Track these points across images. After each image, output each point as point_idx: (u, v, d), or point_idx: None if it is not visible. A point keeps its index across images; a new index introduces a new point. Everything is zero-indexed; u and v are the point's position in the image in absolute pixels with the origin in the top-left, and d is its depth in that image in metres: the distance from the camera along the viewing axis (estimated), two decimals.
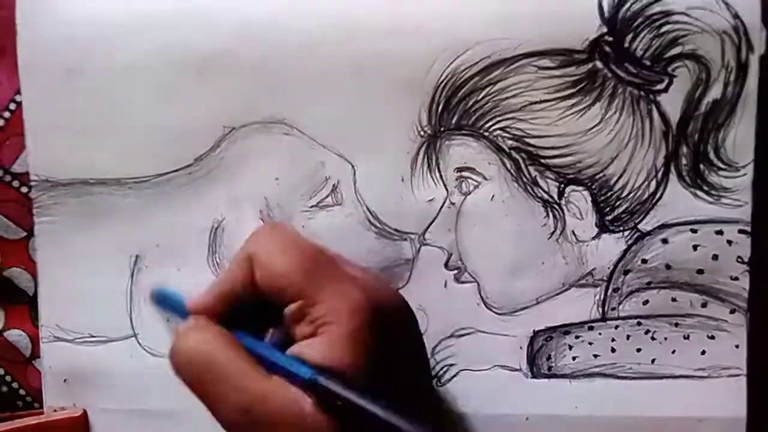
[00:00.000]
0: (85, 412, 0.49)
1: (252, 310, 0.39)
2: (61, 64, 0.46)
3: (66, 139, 0.47)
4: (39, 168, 0.47)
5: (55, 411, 0.49)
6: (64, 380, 0.49)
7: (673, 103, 0.46)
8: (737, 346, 0.47)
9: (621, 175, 0.47)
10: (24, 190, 0.48)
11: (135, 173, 0.47)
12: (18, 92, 0.47)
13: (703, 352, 0.48)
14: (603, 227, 0.47)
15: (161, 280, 0.47)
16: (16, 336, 0.49)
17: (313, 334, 0.37)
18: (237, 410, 0.36)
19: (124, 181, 0.47)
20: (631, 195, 0.47)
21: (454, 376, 0.48)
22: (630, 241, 0.47)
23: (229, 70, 0.46)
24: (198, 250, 0.48)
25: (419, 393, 0.42)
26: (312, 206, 0.48)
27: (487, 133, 0.47)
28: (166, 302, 0.43)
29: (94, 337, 0.48)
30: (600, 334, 0.48)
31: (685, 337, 0.48)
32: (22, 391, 0.50)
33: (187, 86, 0.46)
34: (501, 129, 0.47)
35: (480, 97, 0.46)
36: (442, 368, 0.48)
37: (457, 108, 0.46)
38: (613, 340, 0.48)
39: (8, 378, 0.50)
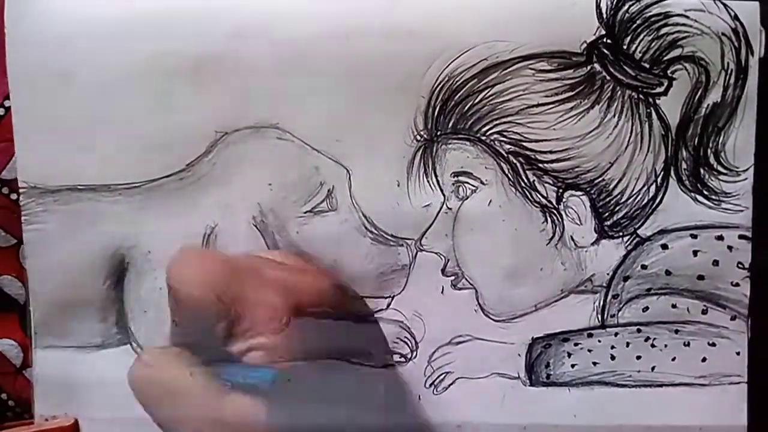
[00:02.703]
0: (76, 421, 0.48)
1: None
2: (51, 68, 0.46)
3: (55, 145, 0.47)
4: (28, 174, 0.47)
5: (46, 420, 0.48)
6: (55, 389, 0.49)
7: (672, 106, 0.46)
8: (738, 354, 0.47)
9: (620, 180, 0.47)
10: (13, 197, 0.47)
11: (125, 179, 0.47)
12: (7, 97, 0.46)
13: (704, 360, 0.47)
14: (602, 233, 0.47)
15: (153, 288, 0.47)
16: (7, 345, 0.49)
17: (249, 350, 0.38)
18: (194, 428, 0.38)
19: (115, 188, 0.47)
20: (631, 200, 0.47)
21: (451, 384, 0.48)
22: (629, 247, 0.47)
23: (221, 75, 0.46)
24: None
25: None
26: (306, 212, 0.47)
27: (484, 137, 0.46)
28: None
29: (86, 345, 0.48)
30: (599, 341, 0.48)
31: (685, 345, 0.47)
32: (11, 402, 0.49)
33: (179, 91, 0.46)
34: (498, 133, 0.46)
35: (477, 100, 0.46)
36: (438, 376, 0.48)
37: (453, 112, 0.46)
38: (612, 347, 0.48)
39: None
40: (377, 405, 0.47)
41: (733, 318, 0.47)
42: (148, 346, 0.41)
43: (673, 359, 0.48)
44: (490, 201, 0.47)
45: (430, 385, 0.48)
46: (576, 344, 0.48)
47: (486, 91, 0.46)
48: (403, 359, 0.48)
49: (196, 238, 0.47)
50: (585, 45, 0.45)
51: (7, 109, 0.47)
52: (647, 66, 0.45)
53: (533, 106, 0.46)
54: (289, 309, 0.39)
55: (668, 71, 0.46)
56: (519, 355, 0.48)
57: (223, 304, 0.38)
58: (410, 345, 0.48)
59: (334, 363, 0.47)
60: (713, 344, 0.47)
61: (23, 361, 0.49)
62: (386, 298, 0.48)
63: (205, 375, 0.39)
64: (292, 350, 0.39)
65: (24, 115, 0.46)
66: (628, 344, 0.48)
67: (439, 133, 0.46)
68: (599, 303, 0.48)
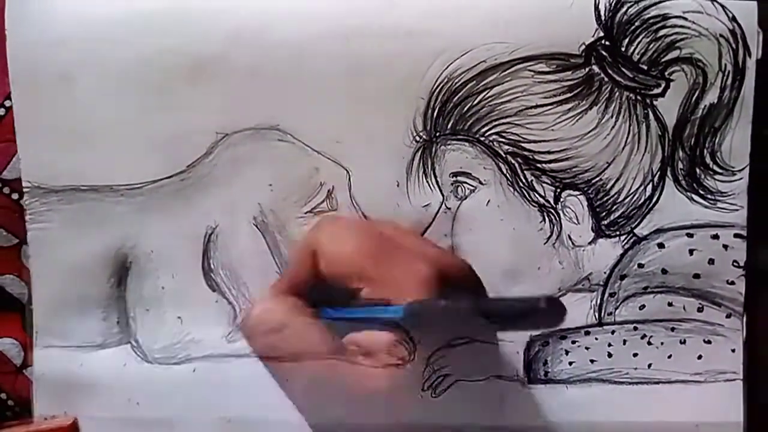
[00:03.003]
0: (75, 420, 0.48)
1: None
2: (52, 69, 0.46)
3: (58, 145, 0.47)
4: (31, 174, 0.47)
5: (46, 419, 0.48)
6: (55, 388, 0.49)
7: (669, 107, 0.46)
8: (734, 351, 0.48)
9: (617, 180, 0.47)
10: (15, 196, 0.48)
11: (127, 180, 0.47)
12: (7, 97, 0.47)
13: (700, 357, 0.48)
14: (599, 232, 0.48)
15: (155, 287, 0.48)
16: (8, 345, 0.49)
17: None
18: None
19: (117, 188, 0.47)
20: (628, 199, 0.47)
21: (450, 386, 0.48)
22: (626, 246, 0.48)
23: (222, 76, 0.46)
24: (192, 256, 0.48)
25: None
26: (306, 212, 0.48)
27: (482, 138, 0.47)
28: None
29: (86, 344, 0.48)
30: (596, 339, 0.48)
31: (681, 342, 0.48)
32: (11, 402, 0.49)
33: (180, 92, 0.46)
34: (497, 134, 0.47)
35: (476, 101, 0.46)
36: (437, 378, 0.48)
37: (452, 113, 0.47)
38: (609, 345, 0.48)
39: None
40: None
41: (728, 316, 0.48)
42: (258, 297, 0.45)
43: (670, 356, 0.48)
44: (489, 201, 0.47)
45: (428, 388, 0.48)
46: (573, 342, 0.48)
47: (485, 93, 0.46)
48: (401, 361, 0.48)
49: (197, 238, 0.48)
50: (583, 47, 0.46)
51: (8, 109, 0.47)
52: (645, 67, 0.46)
53: (532, 107, 0.46)
54: (438, 279, 0.41)
55: (666, 73, 0.46)
56: (517, 353, 0.48)
57: (370, 268, 0.41)
58: (409, 347, 0.48)
59: None
60: (709, 342, 0.48)
61: (23, 360, 0.49)
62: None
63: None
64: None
65: (26, 115, 0.47)
66: (625, 342, 0.48)
67: (438, 133, 0.47)
68: (596, 301, 0.48)
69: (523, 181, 0.47)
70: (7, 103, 0.47)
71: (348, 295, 0.43)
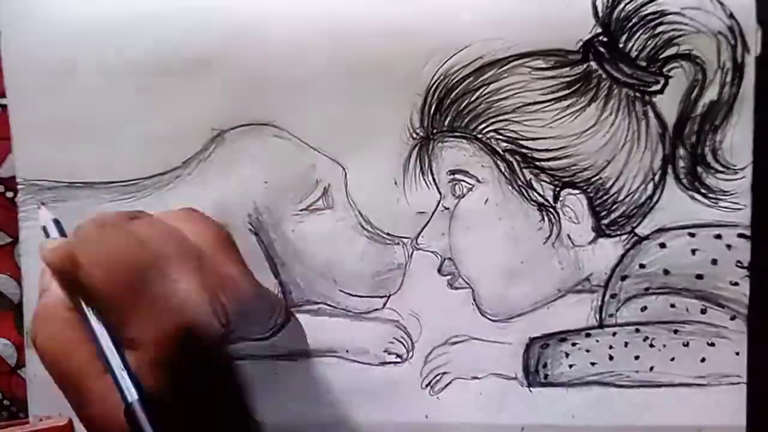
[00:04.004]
0: (70, 420, 0.49)
1: None
2: (47, 66, 0.47)
3: (53, 142, 0.48)
4: (25, 171, 0.48)
5: (41, 420, 0.49)
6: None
7: (669, 104, 0.47)
8: (737, 354, 0.48)
9: (617, 178, 0.47)
10: (9, 195, 0.48)
11: (122, 176, 0.48)
12: (2, 95, 0.48)
13: (703, 360, 0.48)
14: (599, 231, 0.48)
15: None
16: (2, 345, 0.50)
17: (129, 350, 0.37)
18: (72, 403, 0.38)
19: (111, 184, 0.48)
20: (628, 198, 0.48)
21: (448, 384, 0.49)
22: (627, 246, 0.48)
23: (218, 72, 0.47)
24: None
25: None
26: (302, 210, 0.48)
27: (480, 135, 0.47)
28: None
29: None
30: (597, 341, 0.48)
31: (684, 344, 0.48)
32: (6, 402, 0.50)
33: (176, 88, 0.47)
34: (494, 131, 0.47)
35: (473, 98, 0.47)
36: (434, 377, 0.49)
37: (449, 109, 0.47)
38: (610, 347, 0.48)
39: None
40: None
41: (732, 318, 0.48)
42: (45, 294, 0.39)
43: (672, 359, 0.48)
44: (487, 199, 0.48)
45: (427, 386, 0.49)
46: (574, 344, 0.48)
47: (482, 89, 0.47)
48: (398, 359, 0.49)
49: None
50: (581, 43, 0.46)
51: (3, 107, 0.48)
52: (643, 64, 0.46)
53: (529, 104, 0.47)
54: (174, 337, 0.37)
55: (664, 69, 0.46)
56: (516, 355, 0.48)
57: (118, 302, 0.37)
58: (406, 345, 0.49)
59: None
60: (712, 344, 0.48)
61: (17, 360, 0.50)
62: (382, 297, 0.49)
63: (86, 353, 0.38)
64: (160, 378, 0.37)
65: (21, 112, 0.48)
66: (626, 344, 0.48)
67: (435, 131, 0.47)
68: (597, 303, 0.48)
69: (522, 179, 0.48)
70: (2, 101, 0.48)
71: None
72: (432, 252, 0.48)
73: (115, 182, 0.48)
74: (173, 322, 0.37)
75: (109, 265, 0.37)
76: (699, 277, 0.48)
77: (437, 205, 0.48)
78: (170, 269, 0.38)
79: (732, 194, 0.47)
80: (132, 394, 0.35)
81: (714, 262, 0.48)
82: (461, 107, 0.47)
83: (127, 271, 0.37)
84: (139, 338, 0.37)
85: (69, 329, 0.38)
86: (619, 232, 0.48)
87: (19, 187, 0.48)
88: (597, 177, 0.47)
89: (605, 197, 0.48)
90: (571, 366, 0.49)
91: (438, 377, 0.49)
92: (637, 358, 0.48)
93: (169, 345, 0.37)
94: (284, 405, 0.49)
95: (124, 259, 0.38)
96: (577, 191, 0.48)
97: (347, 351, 0.49)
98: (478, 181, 0.48)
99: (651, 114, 0.47)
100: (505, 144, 0.47)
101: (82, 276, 0.37)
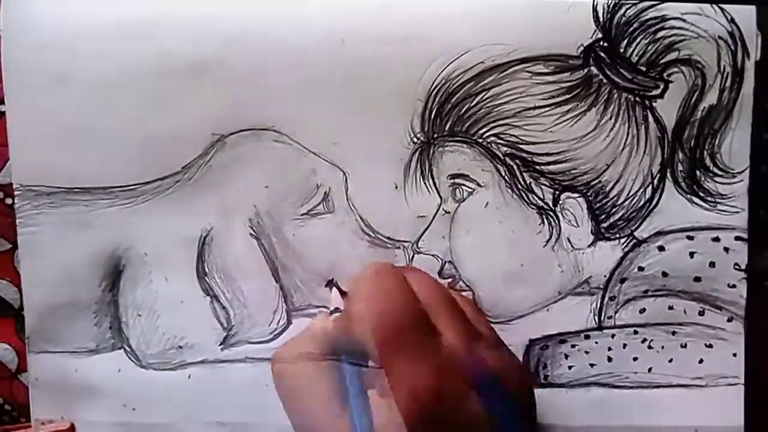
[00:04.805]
0: (72, 425, 0.49)
1: None
2: (47, 71, 0.47)
3: (51, 147, 0.48)
4: (23, 177, 0.48)
5: (43, 424, 0.49)
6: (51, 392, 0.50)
7: (668, 109, 0.48)
8: (735, 355, 0.49)
9: (616, 182, 0.48)
10: (8, 201, 0.49)
11: (122, 181, 0.48)
12: (1, 102, 0.48)
13: (701, 361, 0.49)
14: (599, 235, 0.49)
15: (148, 290, 0.49)
16: (2, 350, 0.50)
17: (382, 405, 0.38)
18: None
19: (111, 190, 0.48)
20: (627, 202, 0.48)
21: None
22: (626, 249, 0.49)
23: (218, 78, 0.47)
24: (186, 259, 0.49)
25: None
26: (303, 214, 0.49)
27: (480, 140, 0.48)
28: None
29: (80, 349, 0.49)
30: (596, 342, 0.49)
31: (682, 346, 0.49)
32: (8, 406, 0.51)
33: (176, 93, 0.47)
34: (495, 135, 0.48)
35: (473, 103, 0.48)
36: None
37: (450, 114, 0.48)
38: (609, 348, 0.49)
39: None
40: None
41: (729, 319, 0.49)
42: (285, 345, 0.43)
43: (670, 360, 0.49)
44: (487, 203, 0.49)
45: None
46: (573, 346, 0.49)
47: (483, 94, 0.48)
48: None
49: (192, 241, 0.49)
50: (582, 48, 0.47)
51: (2, 114, 0.48)
52: (644, 69, 0.47)
53: (530, 108, 0.48)
54: (435, 399, 0.38)
55: (664, 74, 0.47)
56: (517, 356, 0.49)
57: (381, 352, 0.39)
58: None
59: None
60: (710, 345, 0.49)
61: (18, 365, 0.50)
62: None
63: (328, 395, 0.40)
64: None
65: (19, 117, 0.48)
66: (625, 346, 0.49)
67: (435, 135, 0.48)
68: (596, 305, 0.49)
69: (522, 183, 0.48)
70: (1, 108, 0.48)
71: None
72: (433, 255, 0.49)
73: (114, 187, 0.48)
74: (433, 377, 0.38)
75: (380, 317, 0.39)
76: (697, 279, 0.49)
77: (438, 209, 0.49)
78: (437, 322, 0.40)
79: (730, 198, 0.48)
80: None
81: (712, 264, 0.49)
82: (462, 112, 0.48)
83: (399, 320, 0.39)
84: (396, 386, 0.38)
85: (312, 364, 0.41)
86: (618, 235, 0.49)
87: (16, 192, 0.48)
88: (596, 181, 0.48)
89: (605, 201, 0.48)
90: (570, 367, 0.49)
91: None
92: (635, 359, 0.49)
93: (426, 400, 0.38)
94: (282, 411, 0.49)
95: (398, 309, 0.40)
96: (576, 195, 0.48)
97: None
98: (479, 185, 0.49)
99: (650, 118, 0.48)
100: (505, 148, 0.48)
101: (353, 324, 0.40)
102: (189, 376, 0.49)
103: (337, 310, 0.42)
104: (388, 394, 0.38)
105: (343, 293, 0.42)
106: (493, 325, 0.49)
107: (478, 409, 0.39)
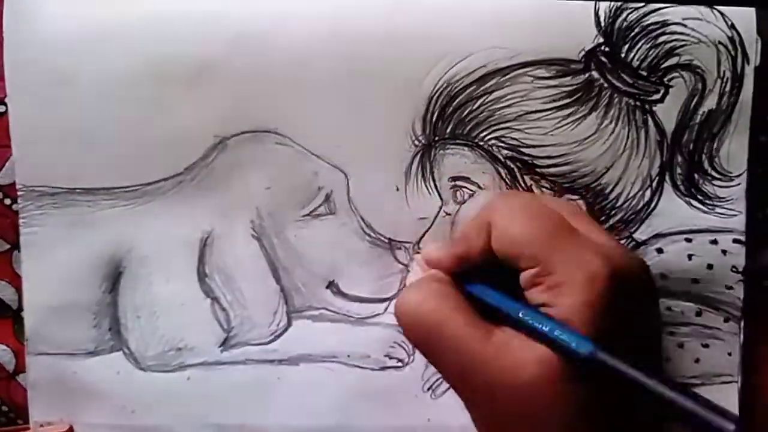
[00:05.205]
0: (71, 427, 0.50)
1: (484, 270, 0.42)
2: (50, 71, 0.47)
3: (54, 148, 0.48)
4: (26, 177, 0.48)
5: (42, 426, 0.50)
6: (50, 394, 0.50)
7: (668, 113, 0.48)
8: (730, 354, 0.50)
9: (616, 185, 0.49)
10: (8, 202, 0.49)
11: (124, 182, 0.48)
12: (2, 102, 0.48)
13: (697, 360, 0.50)
14: None
15: (148, 292, 0.49)
16: (0, 351, 0.50)
17: (546, 304, 0.39)
18: (455, 373, 0.40)
19: (113, 191, 0.48)
20: (626, 204, 0.49)
21: (449, 388, 0.49)
22: None
23: (221, 79, 0.47)
24: (187, 261, 0.49)
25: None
26: (304, 216, 0.49)
27: (482, 143, 0.49)
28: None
29: (79, 351, 0.50)
30: None
31: (679, 345, 0.50)
32: (5, 408, 0.51)
33: (178, 95, 0.48)
34: (496, 138, 0.49)
35: (475, 106, 0.48)
36: (436, 380, 0.50)
37: (452, 117, 0.48)
38: None
39: None
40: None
41: (726, 320, 0.50)
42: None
43: (667, 360, 0.50)
44: None
45: (428, 389, 0.50)
46: None
47: (484, 98, 0.48)
48: (400, 363, 0.50)
49: (193, 243, 0.49)
50: (583, 52, 0.48)
51: (2, 114, 0.48)
52: (644, 74, 0.48)
53: (531, 112, 0.48)
54: (610, 278, 0.38)
55: (665, 79, 0.48)
56: None
57: (541, 251, 0.39)
58: (407, 349, 0.50)
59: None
60: (706, 345, 0.50)
61: (16, 366, 0.51)
62: (383, 301, 0.50)
63: (469, 318, 0.40)
64: (598, 325, 0.37)
65: (22, 117, 0.48)
66: None
67: (437, 138, 0.49)
68: None
69: (522, 185, 0.49)
70: (1, 108, 0.48)
71: (509, 280, 0.41)
72: None
73: (117, 188, 0.48)
74: (602, 263, 0.38)
75: (531, 215, 0.40)
76: (695, 281, 0.50)
77: (438, 211, 0.49)
78: (580, 226, 0.41)
79: (728, 200, 0.49)
80: (586, 346, 0.36)
81: (710, 266, 0.50)
82: (463, 115, 0.48)
83: (549, 222, 0.40)
84: (570, 281, 0.38)
85: (440, 298, 0.41)
86: (617, 238, 0.49)
87: (19, 193, 0.48)
88: (596, 183, 0.49)
89: (604, 203, 0.49)
90: None
91: (439, 381, 0.50)
92: None
93: (602, 285, 0.38)
94: (285, 411, 0.50)
95: (539, 213, 0.41)
96: (576, 197, 0.49)
97: (348, 356, 0.50)
98: (480, 187, 0.49)
99: (650, 122, 0.48)
100: (506, 151, 0.49)
101: (496, 239, 0.40)
102: (188, 378, 0.50)
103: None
104: (556, 293, 0.38)
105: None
106: None
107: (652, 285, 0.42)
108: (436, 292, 0.41)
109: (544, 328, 0.38)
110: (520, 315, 0.39)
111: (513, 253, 0.40)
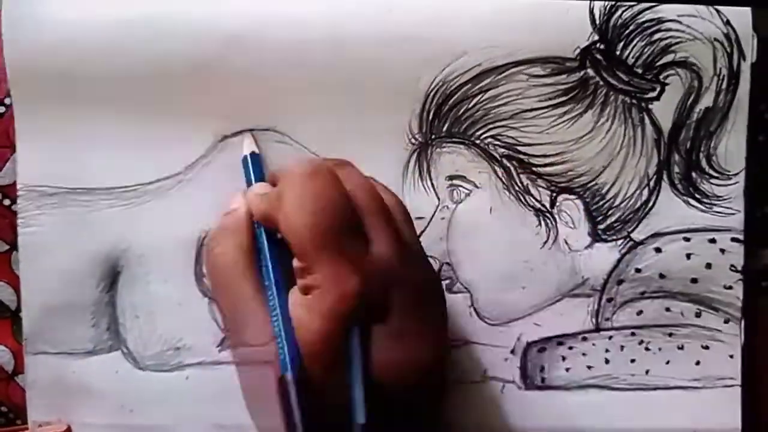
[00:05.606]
0: (69, 427, 0.50)
1: None
2: (50, 71, 0.48)
3: (54, 148, 0.49)
4: (27, 177, 0.49)
5: (40, 426, 0.50)
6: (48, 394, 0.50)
7: (664, 111, 0.49)
8: (731, 356, 0.50)
9: (613, 184, 0.49)
10: (6, 202, 0.49)
11: (123, 181, 0.49)
12: (2, 102, 0.49)
13: (698, 363, 0.50)
14: (596, 236, 0.50)
15: (146, 291, 0.50)
16: None
17: (304, 302, 0.39)
18: (225, 319, 0.45)
19: (112, 190, 0.49)
20: (624, 203, 0.50)
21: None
22: (623, 251, 0.50)
23: (219, 79, 0.48)
24: (185, 261, 0.50)
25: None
26: None
27: (478, 141, 0.49)
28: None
29: (78, 351, 0.50)
30: (594, 344, 0.50)
31: (679, 348, 0.50)
32: (4, 408, 0.51)
33: (178, 94, 0.48)
34: (492, 137, 0.49)
35: (471, 105, 0.49)
36: None
37: (448, 116, 0.49)
38: (606, 350, 0.50)
39: None
40: None
41: (726, 321, 0.50)
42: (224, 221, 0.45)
43: (667, 362, 0.50)
44: (484, 205, 0.50)
45: None
46: (570, 348, 0.50)
47: (480, 96, 0.49)
48: None
49: (191, 242, 0.50)
50: (578, 50, 0.48)
51: (2, 114, 0.49)
52: (640, 71, 0.48)
53: (527, 110, 0.49)
54: (355, 298, 0.38)
55: (661, 76, 0.48)
56: (514, 359, 0.50)
57: (308, 249, 0.39)
58: None
59: None
60: (707, 347, 0.50)
61: (14, 367, 0.51)
62: None
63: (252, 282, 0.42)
64: (324, 346, 0.38)
65: (23, 117, 0.48)
66: (622, 347, 0.50)
67: (433, 136, 0.49)
68: (594, 307, 0.50)
69: (519, 184, 0.49)
70: (1, 108, 0.49)
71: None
72: (430, 256, 0.49)
73: (117, 187, 0.49)
74: (356, 285, 0.38)
75: (312, 211, 0.39)
76: (694, 281, 0.50)
77: (435, 211, 0.50)
78: (367, 224, 0.41)
79: (726, 199, 0.49)
80: (284, 368, 0.39)
81: (708, 266, 0.50)
82: (459, 113, 0.49)
83: (328, 219, 0.39)
84: (322, 286, 0.39)
85: (243, 253, 0.43)
86: (615, 237, 0.50)
87: (19, 193, 0.49)
88: (593, 182, 0.49)
89: (601, 202, 0.50)
90: (568, 369, 0.50)
91: None
92: (633, 361, 0.50)
93: (347, 306, 0.38)
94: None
95: (328, 207, 0.40)
96: (573, 196, 0.50)
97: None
98: (476, 186, 0.49)
99: (647, 120, 0.49)
100: (502, 150, 0.49)
101: (281, 218, 0.40)
102: (187, 378, 0.50)
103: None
104: (311, 293, 0.39)
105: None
106: (490, 327, 0.50)
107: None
108: (238, 247, 0.43)
109: (274, 326, 0.40)
110: (269, 300, 0.41)
111: (288, 238, 0.40)
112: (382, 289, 0.40)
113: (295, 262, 0.40)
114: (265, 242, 0.43)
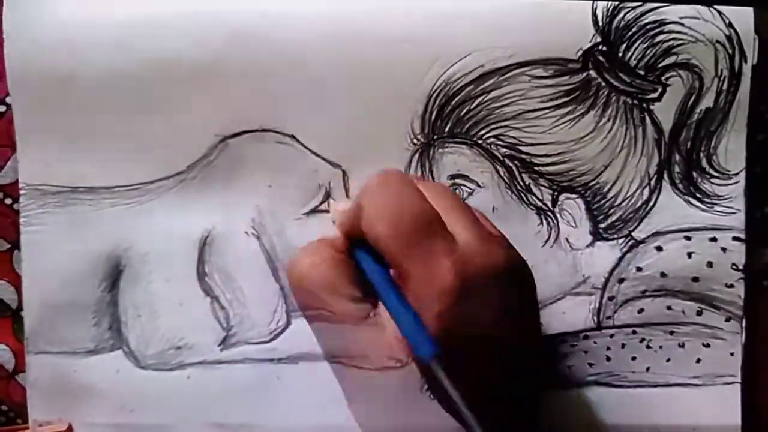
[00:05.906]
0: (70, 426, 0.50)
1: None
2: (51, 71, 0.48)
3: (56, 147, 0.49)
4: (29, 176, 0.49)
5: (41, 425, 0.50)
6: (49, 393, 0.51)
7: (666, 111, 0.49)
8: (732, 354, 0.51)
9: (614, 183, 0.50)
10: (8, 201, 0.50)
11: (125, 181, 0.49)
12: (3, 102, 0.49)
13: (698, 360, 0.51)
14: (597, 235, 0.50)
15: (148, 291, 0.50)
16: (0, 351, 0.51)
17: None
18: (327, 340, 0.44)
19: (113, 189, 0.49)
20: (625, 202, 0.50)
21: None
22: (624, 249, 0.50)
23: (221, 79, 0.48)
24: (187, 260, 0.50)
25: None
26: (305, 214, 0.50)
27: (480, 141, 0.49)
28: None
29: (79, 350, 0.50)
30: (595, 342, 0.51)
31: (680, 345, 0.51)
32: (4, 407, 0.51)
33: (179, 94, 0.48)
34: (494, 137, 0.49)
35: (473, 105, 0.49)
36: None
37: (450, 116, 0.49)
38: (608, 348, 0.51)
39: None
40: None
41: (727, 319, 0.51)
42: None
43: (668, 360, 0.51)
44: (486, 204, 0.50)
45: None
46: (572, 346, 0.51)
47: (483, 97, 0.49)
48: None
49: (193, 241, 0.50)
50: (581, 52, 0.49)
51: (2, 114, 0.49)
52: (642, 73, 0.49)
53: (529, 111, 0.49)
54: (456, 291, 0.39)
55: (663, 78, 0.49)
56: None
57: (397, 254, 0.40)
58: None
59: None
60: (708, 345, 0.51)
61: (15, 366, 0.51)
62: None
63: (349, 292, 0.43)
64: (448, 332, 0.39)
65: (24, 117, 0.49)
66: (623, 345, 0.51)
67: (435, 137, 0.49)
68: (595, 305, 0.51)
69: (521, 184, 0.50)
70: (2, 108, 0.49)
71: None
72: None
73: (119, 187, 0.49)
74: (453, 276, 0.39)
75: (392, 218, 0.40)
76: (695, 279, 0.50)
77: None
78: (448, 221, 0.41)
79: (726, 198, 0.50)
80: (426, 351, 0.38)
81: (709, 264, 0.50)
82: (462, 114, 0.49)
83: (407, 223, 0.40)
84: (422, 291, 0.39)
85: (331, 266, 0.43)
86: (616, 236, 0.50)
87: (21, 192, 0.49)
88: (594, 182, 0.50)
89: (603, 201, 0.50)
90: (569, 367, 0.51)
91: None
92: (634, 359, 0.51)
93: (450, 300, 0.39)
94: (285, 409, 0.51)
95: (406, 211, 0.40)
96: (575, 195, 0.50)
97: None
98: (478, 185, 0.50)
99: (648, 121, 0.49)
100: (504, 150, 0.50)
101: (365, 230, 0.40)
102: (188, 377, 0.50)
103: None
104: (411, 297, 0.40)
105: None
106: None
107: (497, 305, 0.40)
108: (329, 259, 0.43)
109: (399, 323, 0.40)
110: (386, 301, 0.41)
111: (378, 248, 0.40)
112: (475, 280, 0.40)
113: (392, 271, 0.41)
114: (363, 253, 0.43)
